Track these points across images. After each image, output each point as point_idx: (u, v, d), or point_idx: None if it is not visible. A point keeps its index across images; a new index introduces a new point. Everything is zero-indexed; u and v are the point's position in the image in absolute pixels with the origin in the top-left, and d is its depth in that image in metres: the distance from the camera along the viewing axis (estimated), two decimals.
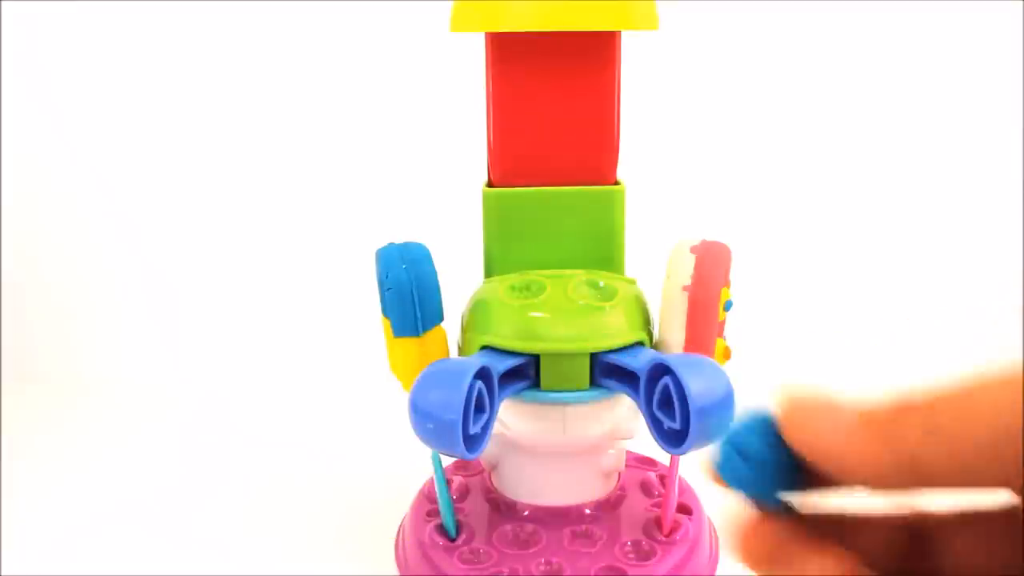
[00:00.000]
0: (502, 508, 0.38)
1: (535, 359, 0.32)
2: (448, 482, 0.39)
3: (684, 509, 0.38)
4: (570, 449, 0.36)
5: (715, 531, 0.40)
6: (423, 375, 0.29)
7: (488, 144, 0.35)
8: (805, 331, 0.68)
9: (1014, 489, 0.14)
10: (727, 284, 0.33)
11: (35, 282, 0.67)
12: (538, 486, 0.37)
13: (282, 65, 0.64)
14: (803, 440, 0.16)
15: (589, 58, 0.34)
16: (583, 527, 0.37)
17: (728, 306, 0.33)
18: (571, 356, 0.32)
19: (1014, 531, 0.16)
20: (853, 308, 0.69)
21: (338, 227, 0.67)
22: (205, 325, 0.68)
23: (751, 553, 0.18)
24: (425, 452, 0.32)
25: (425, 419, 0.28)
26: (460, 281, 0.37)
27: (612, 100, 0.34)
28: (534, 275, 0.35)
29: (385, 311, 0.34)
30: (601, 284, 0.34)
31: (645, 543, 0.36)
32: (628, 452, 0.42)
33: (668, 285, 0.33)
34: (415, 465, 0.40)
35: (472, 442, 0.29)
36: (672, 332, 0.33)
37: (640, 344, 0.33)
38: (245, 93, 0.64)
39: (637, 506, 0.39)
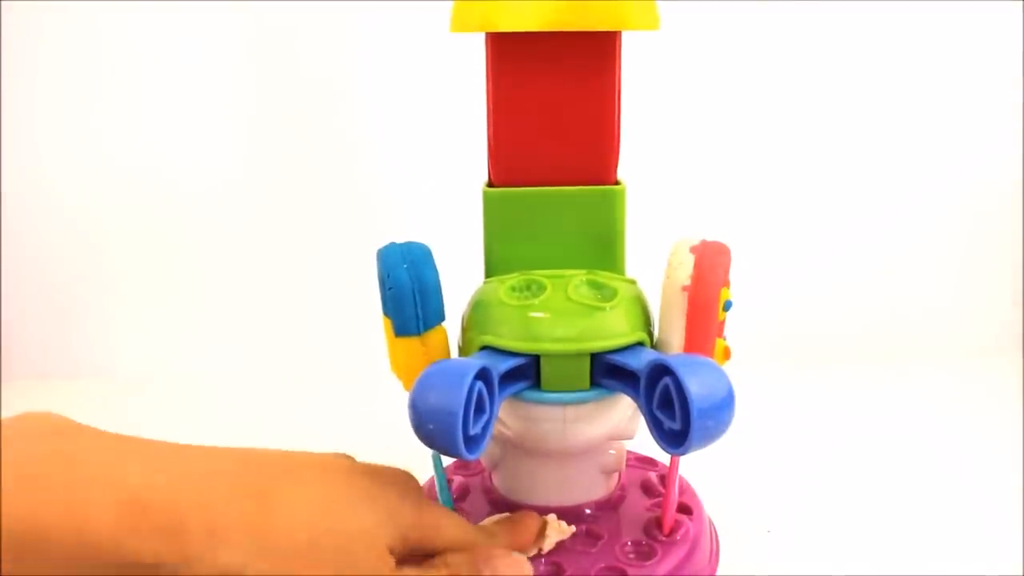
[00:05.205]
0: (502, 508, 0.38)
1: (535, 359, 0.32)
2: (448, 482, 0.39)
3: (684, 509, 0.38)
4: (570, 449, 0.36)
5: (715, 531, 0.40)
6: (423, 375, 0.29)
7: (488, 144, 0.35)
8: (804, 330, 0.68)
9: None
10: (727, 284, 0.33)
11: (35, 278, 0.67)
12: (538, 486, 0.37)
13: (283, 65, 0.64)
14: None
15: (589, 58, 0.33)
16: (583, 527, 0.37)
17: (728, 306, 0.33)
18: (571, 356, 0.32)
19: None
20: (853, 307, 0.69)
21: (340, 227, 0.67)
22: (206, 325, 0.68)
23: None
24: (425, 452, 0.32)
25: (425, 419, 0.28)
26: (460, 281, 0.37)
27: (612, 100, 0.34)
28: (534, 275, 0.35)
29: (386, 311, 0.34)
30: (601, 284, 0.34)
31: (645, 543, 0.36)
32: (628, 452, 0.42)
33: (668, 285, 0.33)
34: (415, 465, 0.40)
35: (472, 443, 0.29)
36: (672, 332, 0.33)
37: (640, 344, 0.33)
38: (247, 92, 0.64)
39: (637, 506, 0.39)
